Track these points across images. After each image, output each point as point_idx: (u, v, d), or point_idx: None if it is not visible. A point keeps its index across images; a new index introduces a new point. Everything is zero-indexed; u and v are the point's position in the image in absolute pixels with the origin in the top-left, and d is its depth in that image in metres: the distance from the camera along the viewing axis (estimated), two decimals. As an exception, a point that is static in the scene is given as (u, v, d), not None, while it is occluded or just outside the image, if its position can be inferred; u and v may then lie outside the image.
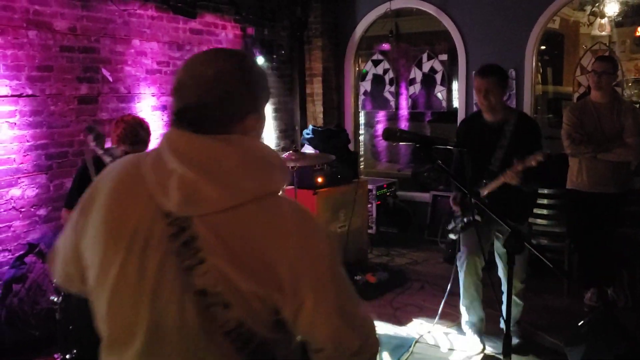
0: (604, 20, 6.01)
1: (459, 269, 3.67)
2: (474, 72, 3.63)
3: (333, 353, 1.13)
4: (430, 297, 4.53)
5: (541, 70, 6.22)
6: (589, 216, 4.17)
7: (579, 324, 3.48)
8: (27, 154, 4.01)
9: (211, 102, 1.13)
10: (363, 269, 5.00)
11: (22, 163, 3.98)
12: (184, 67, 1.19)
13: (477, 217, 3.28)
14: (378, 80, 6.62)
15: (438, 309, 3.98)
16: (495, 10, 5.64)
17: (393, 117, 7.68)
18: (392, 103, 6.57)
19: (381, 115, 7.87)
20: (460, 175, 3.60)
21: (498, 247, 3.60)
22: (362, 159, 6.91)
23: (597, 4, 5.82)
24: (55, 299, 2.94)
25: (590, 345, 3.24)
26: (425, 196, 6.22)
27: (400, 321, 4.15)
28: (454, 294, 3.82)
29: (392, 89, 6.53)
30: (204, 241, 1.08)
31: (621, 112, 4.04)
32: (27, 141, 4.00)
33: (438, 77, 6.20)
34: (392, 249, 5.89)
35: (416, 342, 3.81)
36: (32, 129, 4.02)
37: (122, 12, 4.57)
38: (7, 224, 3.92)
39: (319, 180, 4.97)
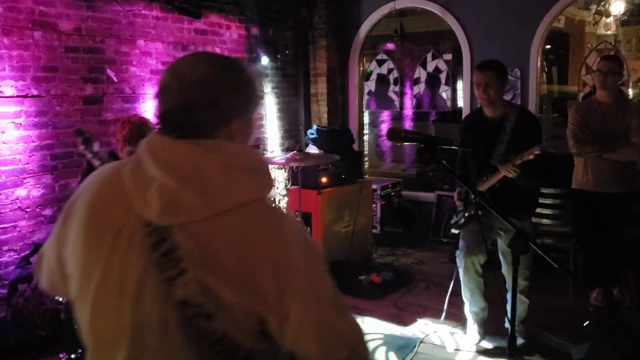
0: (610, 19, 5.98)
1: (458, 265, 3.69)
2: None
3: None
4: (435, 297, 4.52)
5: (546, 70, 6.19)
6: (594, 216, 4.16)
7: (585, 324, 3.48)
8: (33, 154, 4.02)
9: (195, 105, 1.09)
10: (367, 269, 5.00)
11: (27, 163, 4.00)
12: (169, 69, 1.16)
13: (479, 212, 3.29)
14: (382, 80, 6.61)
15: (443, 309, 3.97)
16: (500, 10, 5.62)
17: (397, 117, 7.66)
18: (397, 103, 6.56)
19: (385, 115, 7.85)
20: (464, 175, 3.60)
21: (501, 245, 3.59)
22: (366, 158, 6.90)
23: (602, 3, 5.79)
24: (61, 299, 2.95)
25: (596, 345, 3.23)
26: (430, 196, 6.21)
27: (405, 321, 4.14)
28: (458, 294, 3.81)
29: (397, 88, 6.52)
30: (185, 251, 1.05)
31: (627, 111, 4.02)
32: (33, 141, 4.02)
33: (443, 76, 6.19)
34: (396, 249, 5.88)
35: (421, 342, 3.80)
36: (37, 129, 4.04)
37: (127, 13, 4.58)
38: (13, 224, 3.94)
39: (324, 180, 4.97)
